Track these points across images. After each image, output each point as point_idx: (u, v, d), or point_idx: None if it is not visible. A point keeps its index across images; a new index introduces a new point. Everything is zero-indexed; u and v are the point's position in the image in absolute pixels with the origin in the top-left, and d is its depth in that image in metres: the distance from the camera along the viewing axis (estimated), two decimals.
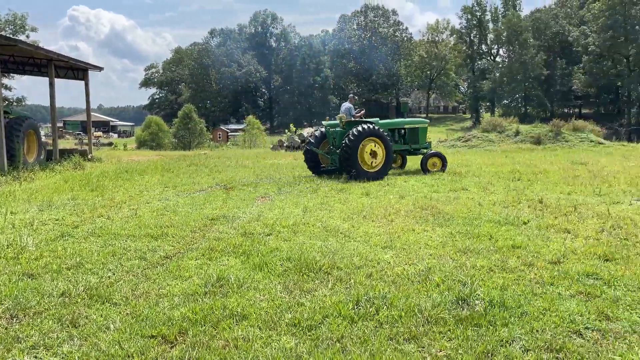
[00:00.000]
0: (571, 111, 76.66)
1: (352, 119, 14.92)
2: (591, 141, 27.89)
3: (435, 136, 42.23)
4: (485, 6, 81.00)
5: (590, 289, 4.64)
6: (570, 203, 9.21)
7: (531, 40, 71.13)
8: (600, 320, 3.96)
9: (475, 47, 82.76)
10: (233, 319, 4.06)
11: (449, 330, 3.81)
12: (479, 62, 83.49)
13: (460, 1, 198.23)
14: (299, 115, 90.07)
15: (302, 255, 5.76)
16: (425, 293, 4.57)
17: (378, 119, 15.55)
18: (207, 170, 16.37)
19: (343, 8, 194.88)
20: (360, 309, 4.21)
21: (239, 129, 64.73)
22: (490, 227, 7.37)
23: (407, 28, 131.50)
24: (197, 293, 4.66)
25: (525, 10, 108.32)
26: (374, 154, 13.69)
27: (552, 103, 76.18)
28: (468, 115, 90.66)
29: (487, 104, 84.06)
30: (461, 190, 11.42)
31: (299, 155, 21.84)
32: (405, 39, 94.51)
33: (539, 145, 27.23)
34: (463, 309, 4.16)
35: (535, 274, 5.12)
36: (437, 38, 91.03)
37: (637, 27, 57.96)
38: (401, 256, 5.91)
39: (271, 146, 30.83)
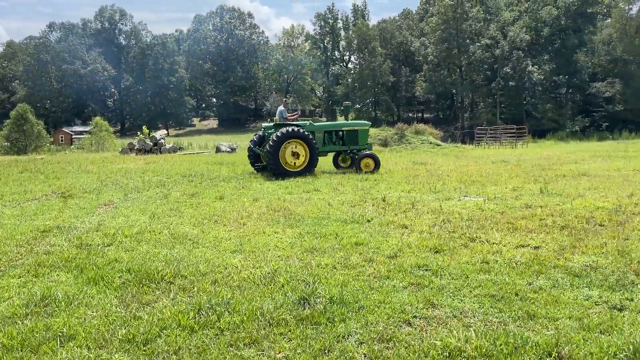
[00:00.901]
0: (415, 115, 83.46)
1: (285, 121, 16.03)
2: (430, 143, 30.58)
3: None
4: (337, 14, 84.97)
5: (420, 279, 5.03)
6: (410, 200, 9.94)
7: (379, 49, 76.06)
8: (427, 309, 4.30)
9: (329, 53, 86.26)
10: (57, 340, 3.69)
11: (290, 331, 3.86)
12: (333, 68, 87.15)
13: (314, 8, 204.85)
14: (153, 116, 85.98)
15: (143, 265, 5.44)
16: (270, 295, 4.59)
17: (311, 121, 16.45)
18: (42, 176, 14.83)
19: (197, 8, 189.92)
20: (201, 317, 4.08)
21: (85, 132, 59.79)
22: (337, 226, 7.66)
23: (263, 31, 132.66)
24: (17, 315, 4.16)
25: (373, 20, 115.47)
26: (296, 155, 14.63)
27: (399, 108, 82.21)
28: (324, 119, 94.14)
29: (341, 108, 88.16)
30: (313, 191, 11.75)
31: (151, 158, 20.83)
32: (262, 42, 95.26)
33: (386, 147, 29.15)
34: (304, 309, 4.24)
35: (374, 269, 5.42)
36: (292, 43, 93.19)
37: (467, 40, 64.98)
38: (249, 259, 5.87)
39: (120, 149, 28.96)
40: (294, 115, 16.97)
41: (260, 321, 4.00)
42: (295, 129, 14.70)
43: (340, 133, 16.52)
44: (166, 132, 52.07)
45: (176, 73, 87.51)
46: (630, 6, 61.90)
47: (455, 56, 65.61)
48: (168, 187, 12.28)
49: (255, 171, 15.80)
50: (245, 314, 4.14)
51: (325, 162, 17.62)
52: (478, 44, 64.18)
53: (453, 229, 7.28)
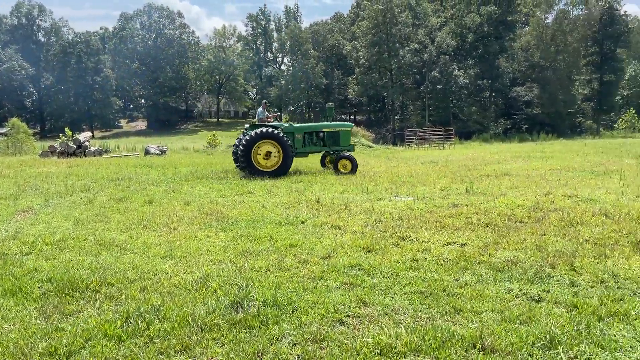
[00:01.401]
0: (348, 118, 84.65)
1: (263, 122, 16.33)
2: (362, 145, 31.14)
3: (226, 141, 42.56)
4: (270, 16, 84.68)
5: (353, 279, 5.11)
6: (343, 201, 10.08)
7: (312, 51, 76.55)
8: (359, 307, 4.38)
9: (261, 55, 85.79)
10: None
11: (222, 336, 3.81)
12: (266, 69, 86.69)
13: (245, 8, 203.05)
14: (77, 118, 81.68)
15: (66, 274, 5.18)
16: (202, 300, 4.50)
17: (291, 122, 17.47)
18: None
19: (123, 6, 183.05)
20: (129, 325, 3.94)
21: (0, 134, 56.08)
22: (271, 228, 7.64)
23: (194, 31, 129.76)
24: None
25: (305, 23, 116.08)
26: (268, 155, 14.98)
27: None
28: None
29: (275, 110, 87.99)
30: (247, 193, 11.65)
31: (75, 162, 19.85)
32: (193, 42, 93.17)
33: None
34: (238, 313, 4.20)
35: (308, 270, 5.44)
36: (224, 43, 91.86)
37: (397, 44, 66.74)
38: (180, 265, 5.74)
39: (40, 152, 27.38)
40: (272, 116, 17.09)
41: (192, 327, 3.91)
42: (270, 129, 15.00)
43: (321, 134, 16.52)
44: (91, 134, 49.72)
45: (101, 73, 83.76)
46: (546, 15, 66.05)
47: (386, 60, 67.19)
48: (93, 192, 11.74)
49: (237, 169, 16.07)
50: (176, 320, 4.03)
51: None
52: (407, 48, 66.07)
53: (384, 229, 7.45)
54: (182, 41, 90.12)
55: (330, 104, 17.33)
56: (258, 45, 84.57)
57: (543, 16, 65.87)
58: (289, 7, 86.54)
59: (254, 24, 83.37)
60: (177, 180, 14.07)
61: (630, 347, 3.52)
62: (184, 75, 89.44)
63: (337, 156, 16.01)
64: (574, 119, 65.70)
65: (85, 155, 25.03)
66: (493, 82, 66.00)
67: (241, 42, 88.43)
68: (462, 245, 6.45)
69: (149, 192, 11.57)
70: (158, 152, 27.56)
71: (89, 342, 3.67)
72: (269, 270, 5.47)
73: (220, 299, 4.50)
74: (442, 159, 21.99)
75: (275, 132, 15.01)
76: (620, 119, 60.21)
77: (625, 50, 69.28)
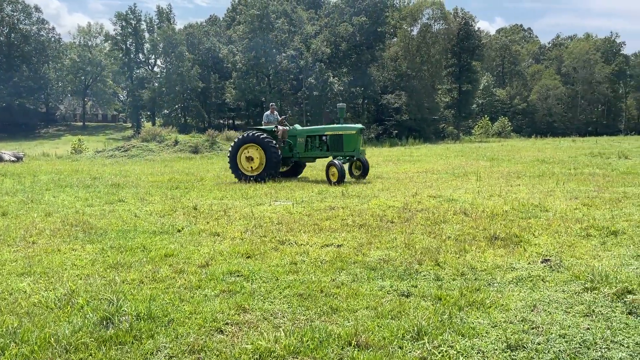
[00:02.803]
0: (226, 122, 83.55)
1: (269, 124, 16.07)
2: None
3: (94, 146, 39.80)
4: (140, 15, 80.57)
5: (232, 286, 5.05)
6: (222, 207, 9.92)
7: (187, 54, 74.37)
8: (238, 314, 4.34)
9: (132, 56, 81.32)
10: None
11: (91, 355, 3.55)
12: (138, 71, 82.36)
13: (113, 6, 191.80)
14: None
15: None
16: (66, 319, 4.15)
17: (297, 125, 16.70)
18: None
19: None
20: None
21: None
22: (145, 237, 7.29)
23: (54, 28, 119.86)
24: None
25: (179, 24, 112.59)
26: (250, 159, 15.04)
27: (210, 114, 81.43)
28: (129, 124, 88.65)
29: (148, 113, 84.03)
30: (118, 202, 11.01)
31: None
32: (53, 39, 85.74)
33: (197, 154, 28.65)
34: (108, 329, 3.94)
35: (185, 280, 5.28)
36: (90, 42, 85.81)
37: (274, 49, 67.33)
38: (41, 282, 5.25)
39: None
40: (281, 119, 16.40)
41: (55, 349, 3.60)
42: (253, 133, 15.19)
43: (324, 138, 15.34)
44: None
45: None
46: (412, 28, 70.83)
47: (263, 65, 67.45)
48: None
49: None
50: (36, 342, 3.68)
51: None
52: (284, 54, 66.95)
53: (264, 234, 7.47)
54: (40, 38, 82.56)
55: (341, 104, 15.60)
56: (128, 46, 79.93)
57: (409, 29, 70.58)
58: (162, 8, 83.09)
59: (123, 23, 78.66)
60: (36, 190, 12.89)
61: (486, 333, 3.89)
62: (44, 75, 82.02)
63: (328, 163, 14.53)
64: (438, 124, 71.18)
65: None
66: (365, 89, 69.24)
67: (109, 41, 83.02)
68: (338, 246, 6.68)
69: (2, 203, 10.45)
70: (13, 158, 25.02)
71: None
72: (142, 282, 5.21)
73: (87, 315, 4.19)
74: (319, 164, 22.57)
75: (259, 135, 15.03)
76: (477, 125, 66.53)
77: (480, 62, 76.71)
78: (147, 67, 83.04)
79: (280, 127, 15.79)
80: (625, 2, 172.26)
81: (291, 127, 16.22)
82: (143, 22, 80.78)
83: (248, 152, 15.09)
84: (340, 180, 13.79)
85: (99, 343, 3.71)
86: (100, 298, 4.65)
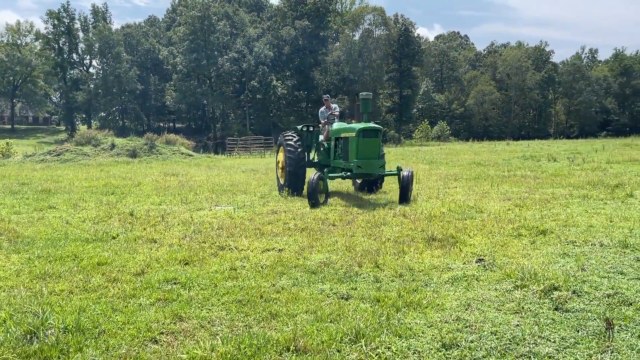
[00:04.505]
0: (166, 125, 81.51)
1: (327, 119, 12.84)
2: (182, 153, 30.27)
3: (23, 149, 37.76)
4: (74, 14, 77.14)
5: (168, 294, 4.90)
6: (159, 213, 9.64)
7: (124, 55, 72.03)
8: (174, 323, 4.21)
9: (65, 56, 77.72)
10: None
11: None
12: (72, 72, 78.76)
13: (44, 4, 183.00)
14: None
15: None
16: None
17: (349, 121, 12.97)
18: None
19: None
20: None
21: None
22: (77, 246, 6.97)
23: None
24: None
25: (116, 24, 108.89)
26: (282, 166, 12.55)
27: (149, 117, 79.21)
28: (63, 127, 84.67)
29: (83, 116, 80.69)
30: (48, 209, 10.48)
31: None
32: None
33: (135, 158, 27.76)
34: (32, 343, 3.72)
35: (119, 289, 5.07)
36: (19, 41, 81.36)
37: (216, 52, 66.39)
38: None
39: None
40: (331, 113, 12.87)
41: None
42: (288, 133, 12.64)
43: (341, 141, 11.85)
44: None
45: None
46: (354, 32, 71.83)
47: (205, 67, 66.33)
48: None
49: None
50: None
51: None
52: (226, 57, 66.13)
53: (204, 239, 7.32)
54: None
55: (365, 93, 11.35)
56: (61, 45, 76.30)
57: (351, 33, 71.53)
58: (97, 7, 79.82)
59: (56, 22, 74.99)
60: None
61: (422, 333, 3.97)
62: None
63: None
64: None
65: None
66: (309, 93, 69.52)
67: (40, 40, 79.01)
68: (279, 250, 6.63)
69: None
70: None
71: None
72: (72, 293, 4.96)
73: (10, 330, 3.94)
74: (263, 167, 22.44)
75: (285, 134, 12.59)
76: (417, 129, 68.23)
77: (419, 68, 78.80)
78: (81, 68, 79.71)
79: (328, 126, 12.71)
80: (553, 12, 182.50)
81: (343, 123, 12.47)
82: (77, 21, 77.48)
83: (278, 157, 13.13)
84: (309, 198, 10.25)
85: (22, 358, 3.50)
86: (25, 311, 4.39)
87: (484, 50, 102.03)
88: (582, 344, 3.73)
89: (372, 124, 10.80)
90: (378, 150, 10.77)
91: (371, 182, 12.34)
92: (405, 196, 10.28)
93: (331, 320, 4.21)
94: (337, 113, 12.78)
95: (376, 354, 3.61)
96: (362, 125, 10.73)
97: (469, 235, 7.27)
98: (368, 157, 10.57)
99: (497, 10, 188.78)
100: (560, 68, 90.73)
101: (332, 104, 13.13)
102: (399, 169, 10.75)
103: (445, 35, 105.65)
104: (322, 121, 12.93)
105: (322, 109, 13.16)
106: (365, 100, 11.13)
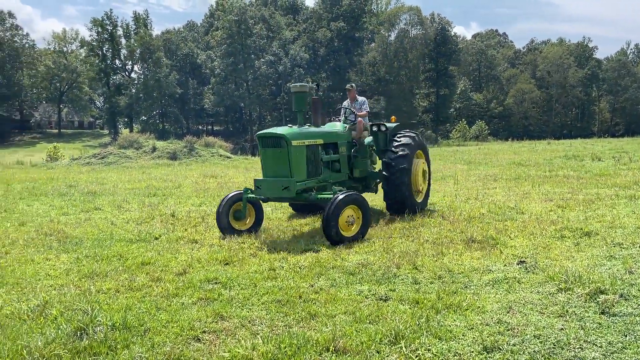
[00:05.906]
0: (205, 128, 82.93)
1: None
2: (220, 155, 30.73)
3: (70, 153, 39.15)
4: (117, 21, 79.51)
5: (210, 293, 5.00)
6: (200, 214, 9.85)
7: (164, 60, 73.77)
8: (216, 322, 4.30)
9: (109, 62, 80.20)
10: None
11: None
12: (114, 77, 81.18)
13: (88, 12, 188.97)
14: None
15: None
16: (39, 331, 4.07)
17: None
18: None
19: None
20: None
21: None
22: (121, 246, 7.20)
23: (28, 34, 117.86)
24: None
25: (156, 30, 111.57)
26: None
27: (188, 120, 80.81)
28: (106, 131, 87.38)
29: (125, 120, 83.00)
30: (94, 210, 10.85)
31: None
32: (27, 45, 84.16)
33: (175, 161, 28.36)
34: (82, 340, 3.87)
35: (162, 288, 5.22)
36: (65, 48, 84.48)
37: (252, 55, 67.27)
38: (13, 293, 5.15)
39: None
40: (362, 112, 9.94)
41: None
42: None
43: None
44: None
45: None
46: (389, 33, 71.47)
47: (242, 70, 67.27)
48: None
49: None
50: (8, 355, 3.60)
51: None
52: (263, 60, 66.87)
53: (242, 240, 7.43)
54: (14, 44, 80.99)
55: (300, 84, 8.29)
56: (104, 52, 78.85)
57: (387, 34, 71.18)
58: (138, 13, 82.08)
59: (99, 29, 77.52)
60: (9, 199, 12.62)
61: (463, 336, 3.93)
62: (18, 82, 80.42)
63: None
64: (417, 129, 71.77)
65: None
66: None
67: (85, 47, 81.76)
68: (317, 251, 6.67)
69: None
70: None
71: None
72: (118, 292, 5.13)
73: (61, 326, 4.11)
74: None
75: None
76: (455, 129, 67.22)
77: (456, 67, 77.67)
78: (124, 73, 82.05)
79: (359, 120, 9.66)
80: (594, 8, 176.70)
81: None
82: (119, 28, 79.82)
83: None
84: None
85: (73, 354, 3.65)
86: (75, 308, 4.57)
87: (524, 48, 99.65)
88: (630, 349, 3.62)
89: (276, 130, 7.82)
90: (286, 165, 7.60)
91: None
92: (326, 230, 7.00)
93: (370, 322, 4.22)
94: (363, 112, 9.88)
95: (416, 356, 3.59)
96: (264, 131, 7.99)
97: (510, 236, 7.14)
98: (271, 175, 7.84)
99: (536, 7, 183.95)
100: (604, 64, 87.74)
101: (359, 96, 10.26)
102: (334, 192, 7.46)
103: (483, 33, 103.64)
104: (338, 119, 10.13)
105: (344, 102, 10.43)
106: (299, 94, 8.14)
